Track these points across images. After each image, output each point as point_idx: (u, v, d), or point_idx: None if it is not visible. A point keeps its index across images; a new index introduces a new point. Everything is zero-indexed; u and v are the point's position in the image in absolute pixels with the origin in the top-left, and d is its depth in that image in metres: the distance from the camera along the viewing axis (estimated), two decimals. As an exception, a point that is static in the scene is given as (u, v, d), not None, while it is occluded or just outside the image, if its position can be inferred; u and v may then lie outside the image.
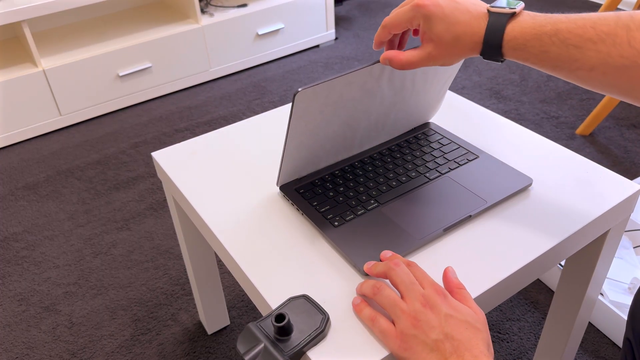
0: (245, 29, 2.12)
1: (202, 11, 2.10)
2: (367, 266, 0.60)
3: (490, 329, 1.12)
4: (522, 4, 0.55)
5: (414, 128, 0.86)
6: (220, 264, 1.30)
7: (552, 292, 1.19)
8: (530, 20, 0.53)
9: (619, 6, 2.53)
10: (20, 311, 1.22)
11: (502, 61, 0.57)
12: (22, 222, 1.48)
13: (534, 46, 0.52)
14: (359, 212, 0.70)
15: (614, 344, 1.08)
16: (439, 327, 0.50)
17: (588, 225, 0.69)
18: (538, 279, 1.23)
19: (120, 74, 1.91)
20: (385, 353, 0.54)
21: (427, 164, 0.78)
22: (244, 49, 2.16)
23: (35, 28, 2.05)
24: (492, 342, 1.10)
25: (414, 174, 0.76)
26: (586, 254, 0.81)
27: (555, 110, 1.83)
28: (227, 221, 0.72)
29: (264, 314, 0.63)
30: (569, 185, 0.75)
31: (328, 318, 0.56)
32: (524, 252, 0.64)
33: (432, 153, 0.80)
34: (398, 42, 0.68)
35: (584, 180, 0.76)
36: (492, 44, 0.55)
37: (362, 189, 0.74)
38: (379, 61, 0.64)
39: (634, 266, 1.18)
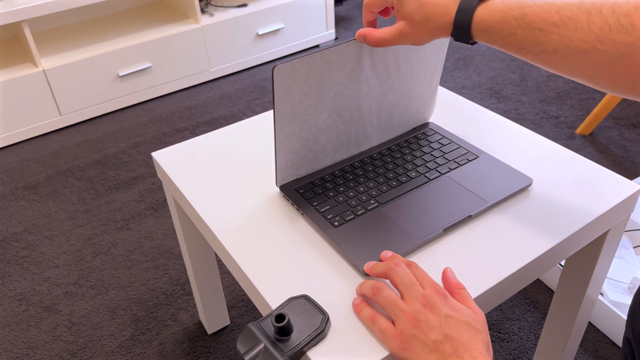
0: (245, 29, 2.12)
1: (202, 11, 2.10)
2: (367, 266, 0.60)
3: (490, 329, 1.12)
4: None
5: (414, 128, 0.86)
6: (220, 264, 1.30)
7: (552, 292, 1.19)
8: (499, 4, 0.54)
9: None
10: (20, 311, 1.22)
11: (472, 43, 0.58)
12: (22, 222, 1.48)
13: (502, 29, 0.53)
14: (359, 212, 0.70)
15: (614, 343, 1.08)
16: (439, 328, 0.50)
17: (588, 225, 0.69)
18: (538, 279, 1.23)
19: (120, 74, 1.91)
20: (385, 353, 0.54)
21: (427, 164, 0.78)
22: (244, 49, 2.16)
23: (35, 28, 2.05)
24: (492, 341, 1.10)
25: (414, 174, 0.76)
26: (586, 254, 0.81)
27: (555, 110, 1.83)
28: (227, 221, 0.72)
29: (264, 314, 0.63)
30: (569, 185, 0.75)
31: (328, 318, 0.56)
32: (524, 252, 0.64)
33: (432, 153, 0.80)
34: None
35: (584, 180, 0.76)
36: (462, 26, 0.56)
37: (362, 188, 0.74)
38: (354, 39, 0.66)
39: (634, 266, 1.18)
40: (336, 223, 0.68)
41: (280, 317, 0.53)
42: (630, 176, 1.52)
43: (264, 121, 0.94)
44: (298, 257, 0.66)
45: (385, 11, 0.67)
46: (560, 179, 0.76)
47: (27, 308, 1.23)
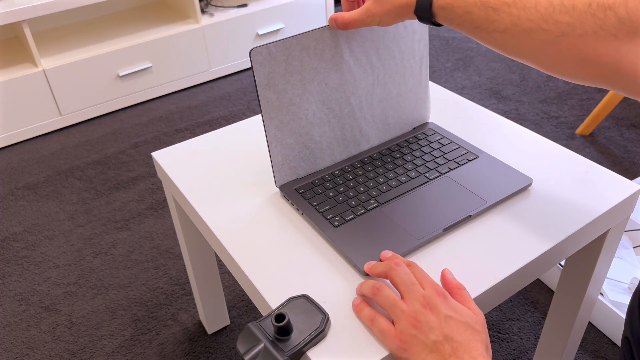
0: (245, 29, 2.12)
1: (202, 11, 2.10)
2: (368, 266, 0.60)
3: (490, 329, 1.12)
4: None
5: (414, 128, 0.86)
6: (220, 264, 1.30)
7: (552, 292, 1.19)
8: None
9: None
10: (20, 311, 1.22)
11: (433, 23, 0.61)
12: (22, 222, 1.48)
13: (459, 6, 0.56)
14: (359, 212, 0.70)
15: (614, 343, 1.08)
16: (439, 328, 0.50)
17: (588, 225, 0.69)
18: (538, 279, 1.23)
19: (120, 74, 1.91)
20: (384, 353, 0.54)
21: (427, 164, 0.78)
22: (244, 49, 2.16)
23: (35, 28, 2.05)
24: (492, 341, 1.10)
25: (414, 174, 0.76)
26: (586, 254, 0.81)
27: (555, 110, 1.83)
28: (227, 221, 0.72)
29: (264, 314, 0.63)
30: (568, 185, 0.75)
31: (328, 318, 0.56)
32: (524, 252, 0.64)
33: (432, 153, 0.80)
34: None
35: (584, 180, 0.76)
36: (423, 2, 0.59)
37: (362, 188, 0.74)
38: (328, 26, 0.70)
39: (634, 266, 1.18)
40: (336, 223, 0.68)
41: (280, 317, 0.53)
42: (630, 176, 1.52)
43: (264, 121, 0.94)
44: (298, 257, 0.66)
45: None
46: (560, 179, 0.76)
47: (27, 308, 1.23)
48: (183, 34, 1.99)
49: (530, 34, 0.51)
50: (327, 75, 0.72)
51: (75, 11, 2.11)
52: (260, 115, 0.95)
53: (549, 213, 0.70)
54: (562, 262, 1.06)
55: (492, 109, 1.85)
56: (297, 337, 0.54)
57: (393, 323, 0.54)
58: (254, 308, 1.20)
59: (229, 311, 1.19)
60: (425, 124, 0.87)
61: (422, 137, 0.84)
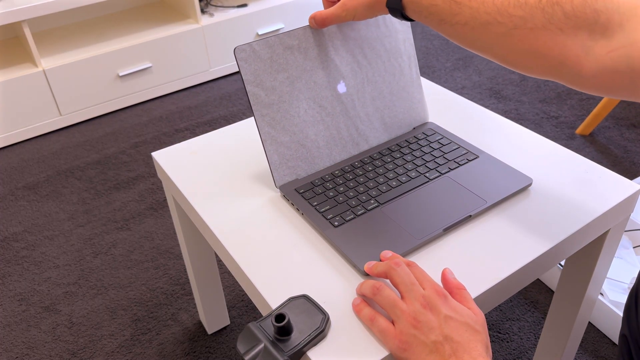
0: (245, 29, 2.12)
1: (202, 11, 2.10)
2: (368, 266, 0.60)
3: (490, 329, 1.12)
4: None
5: (414, 128, 0.86)
6: (220, 264, 1.30)
7: (552, 292, 1.19)
8: None
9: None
10: (20, 311, 1.22)
11: (405, 17, 0.63)
12: (22, 222, 1.48)
13: None
14: (359, 212, 0.70)
15: (614, 343, 1.08)
16: (439, 329, 0.50)
17: (588, 225, 0.69)
18: (538, 279, 1.23)
19: (120, 74, 1.91)
20: (385, 353, 0.54)
21: (427, 164, 0.78)
22: (244, 49, 2.15)
23: (35, 28, 2.05)
24: (492, 342, 1.10)
25: (414, 173, 0.76)
26: (586, 254, 0.81)
27: (555, 110, 1.83)
28: (227, 221, 0.72)
29: (264, 314, 0.63)
30: (569, 185, 0.75)
31: (328, 318, 0.56)
32: (524, 252, 0.64)
33: (432, 153, 0.80)
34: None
35: (584, 180, 0.76)
36: None
37: (362, 188, 0.74)
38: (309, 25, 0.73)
39: (634, 266, 1.18)
40: (336, 223, 0.68)
41: (280, 317, 0.53)
42: (630, 176, 1.52)
43: (264, 121, 0.94)
44: (298, 257, 0.66)
45: None
46: (560, 179, 0.76)
47: (27, 308, 1.23)
48: (183, 34, 1.99)
49: (487, 26, 0.54)
50: (314, 73, 0.74)
51: (75, 11, 2.11)
52: (260, 115, 0.95)
53: (549, 213, 0.70)
54: (562, 262, 1.06)
55: (492, 109, 1.85)
56: (297, 337, 0.54)
57: (393, 323, 0.54)
58: (254, 308, 1.20)
59: (229, 311, 1.19)
60: (425, 124, 0.87)
61: (422, 137, 0.84)
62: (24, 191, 1.61)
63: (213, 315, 1.13)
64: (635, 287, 0.71)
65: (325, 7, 0.72)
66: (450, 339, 0.50)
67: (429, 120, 0.89)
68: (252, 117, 0.95)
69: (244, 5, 2.15)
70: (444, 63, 2.16)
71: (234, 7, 2.14)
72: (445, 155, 0.79)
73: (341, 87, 0.77)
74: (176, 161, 0.85)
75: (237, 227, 0.71)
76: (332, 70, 0.76)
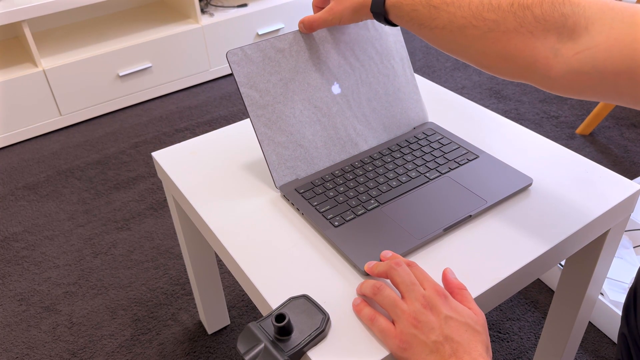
0: (245, 29, 2.12)
1: (202, 11, 2.10)
2: (368, 266, 0.60)
3: (490, 329, 1.12)
4: None
5: (414, 128, 0.86)
6: (220, 264, 1.30)
7: (552, 292, 1.19)
8: None
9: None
10: (20, 311, 1.22)
11: (388, 22, 0.66)
12: (22, 222, 1.48)
13: (407, 4, 0.62)
14: (359, 212, 0.70)
15: (614, 343, 1.08)
16: (439, 329, 0.50)
17: (588, 225, 0.69)
18: (538, 279, 1.23)
19: (120, 74, 1.91)
20: (385, 353, 0.54)
21: (427, 164, 0.78)
22: (244, 49, 2.15)
23: (35, 28, 2.05)
24: (492, 341, 1.10)
25: (414, 173, 0.76)
26: (586, 254, 0.81)
27: (555, 110, 1.83)
28: (227, 221, 0.72)
29: (264, 314, 0.63)
30: (569, 185, 0.75)
31: (328, 318, 0.56)
32: (524, 252, 0.64)
33: (432, 153, 0.80)
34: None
35: (584, 180, 0.76)
36: (378, 0, 0.65)
37: (362, 188, 0.74)
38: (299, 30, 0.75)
39: (634, 266, 1.18)
40: (336, 223, 0.68)
41: (280, 317, 0.53)
42: (630, 176, 1.52)
43: (264, 121, 0.93)
44: (298, 257, 0.66)
45: None
46: (560, 179, 0.76)
47: (27, 308, 1.23)
48: (183, 34, 1.99)
49: (464, 30, 0.57)
50: (307, 75, 0.76)
51: (75, 11, 2.11)
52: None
53: (549, 213, 0.70)
54: (562, 262, 1.06)
55: (492, 109, 1.85)
56: (297, 337, 0.54)
57: (393, 323, 0.54)
58: (254, 308, 1.20)
59: (229, 311, 1.19)
60: (425, 124, 0.87)
61: (422, 137, 0.84)
62: (24, 191, 1.61)
63: (213, 315, 1.13)
64: (634, 286, 0.71)
65: (314, 12, 0.75)
66: (450, 339, 0.50)
67: (429, 120, 0.89)
68: (252, 117, 0.95)
69: (244, 5, 2.15)
70: (444, 63, 2.16)
71: (234, 7, 2.14)
72: (445, 155, 0.79)
73: (335, 89, 0.78)
74: (176, 161, 0.85)
75: (237, 227, 0.71)
76: (325, 72, 0.77)
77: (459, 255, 0.65)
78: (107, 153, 1.76)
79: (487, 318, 1.15)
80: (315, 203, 0.71)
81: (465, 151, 0.80)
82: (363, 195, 0.73)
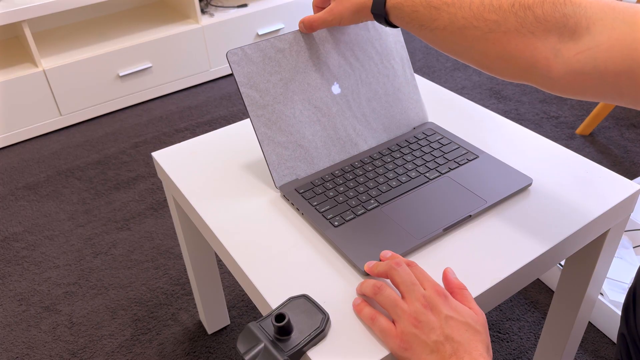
0: (245, 29, 2.12)
1: (202, 11, 2.10)
2: (368, 266, 0.60)
3: (490, 329, 1.12)
4: None
5: (414, 128, 0.86)
6: (220, 264, 1.30)
7: (552, 292, 1.19)
8: None
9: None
10: (20, 311, 1.22)
11: (389, 23, 0.66)
12: (22, 222, 1.48)
13: (408, 5, 0.62)
14: (359, 212, 0.70)
15: (614, 343, 1.08)
16: (439, 329, 0.50)
17: (588, 225, 0.69)
18: (538, 279, 1.23)
19: (120, 74, 1.91)
20: (385, 353, 0.54)
21: (427, 164, 0.78)
22: (244, 49, 2.15)
23: (35, 28, 2.05)
24: (492, 341, 1.10)
25: (414, 173, 0.76)
26: (586, 254, 0.81)
27: (555, 110, 1.83)
28: (227, 221, 0.72)
29: (264, 313, 0.63)
30: (568, 185, 0.75)
31: (328, 318, 0.56)
32: (524, 252, 0.64)
33: (432, 153, 0.80)
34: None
35: (583, 180, 0.76)
36: (378, 1, 0.64)
37: (362, 188, 0.74)
38: (299, 30, 0.76)
39: (634, 266, 1.18)
40: (336, 223, 0.68)
41: (280, 317, 0.53)
42: (630, 176, 1.52)
43: (264, 121, 0.94)
44: (298, 257, 0.66)
45: None
46: (560, 179, 0.76)
47: (27, 308, 1.23)
48: (183, 34, 1.99)
49: (464, 30, 0.57)
50: (307, 75, 0.76)
51: (75, 11, 2.11)
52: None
53: (549, 213, 0.70)
54: (562, 262, 1.06)
55: (492, 109, 1.85)
56: (297, 337, 0.54)
57: (393, 323, 0.54)
58: (254, 308, 1.20)
59: (229, 311, 1.19)
60: (425, 124, 0.87)
61: (422, 137, 0.84)
62: (24, 191, 1.61)
63: (213, 315, 1.13)
64: (633, 286, 0.71)
65: (315, 12, 0.75)
66: (451, 338, 0.50)
67: (429, 120, 0.89)
68: (252, 117, 0.95)
69: (244, 5, 2.15)
70: (444, 63, 2.16)
71: (234, 7, 2.14)
72: (445, 155, 0.79)
73: (335, 89, 0.78)
74: (176, 161, 0.85)
75: (237, 227, 0.71)
76: (325, 73, 0.77)
77: (459, 255, 0.65)
78: (107, 153, 1.76)
79: (487, 318, 1.15)
80: (315, 203, 0.71)
81: (465, 151, 0.80)
82: (363, 195, 0.73)
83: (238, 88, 0.71)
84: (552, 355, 0.96)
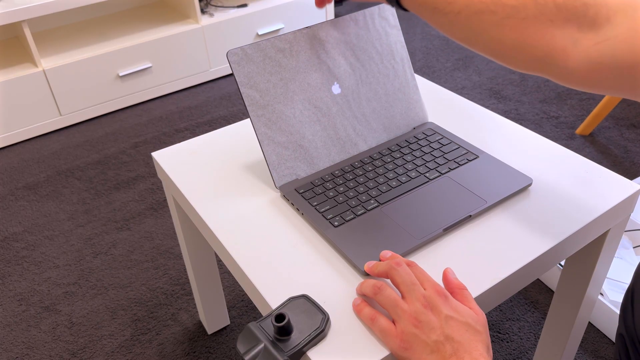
0: (245, 29, 2.12)
1: (202, 11, 2.10)
2: (368, 266, 0.60)
3: (490, 329, 1.12)
4: None
5: (414, 128, 0.86)
6: (220, 264, 1.30)
7: (552, 292, 1.19)
8: None
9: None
10: (20, 311, 1.22)
11: (401, 6, 0.64)
12: (22, 222, 1.48)
13: None
14: (359, 212, 0.70)
15: (614, 343, 1.08)
16: (440, 329, 0.50)
17: (588, 225, 0.69)
18: (538, 279, 1.23)
19: (120, 74, 1.91)
20: (385, 353, 0.54)
21: (427, 164, 0.78)
22: (244, 49, 2.15)
23: (35, 28, 2.05)
24: (492, 341, 1.10)
25: (414, 174, 0.76)
26: (586, 254, 0.81)
27: (555, 110, 1.83)
28: (227, 221, 0.72)
29: (264, 314, 0.63)
30: (568, 185, 0.75)
31: (328, 318, 0.56)
32: (524, 252, 0.64)
33: (432, 153, 0.80)
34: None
35: (584, 180, 0.76)
36: None
37: (362, 189, 0.74)
38: (300, 29, 0.76)
39: (634, 266, 1.18)
40: (336, 223, 0.68)
41: (280, 317, 0.53)
42: (630, 176, 1.52)
43: (264, 121, 0.94)
44: (298, 257, 0.66)
45: None
46: (560, 179, 0.76)
47: (27, 308, 1.23)
48: (183, 34, 1.99)
49: (480, 15, 0.55)
50: (308, 75, 0.76)
51: (75, 11, 2.11)
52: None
53: (549, 213, 0.70)
54: (562, 262, 1.06)
55: (492, 109, 1.85)
56: (297, 337, 0.54)
57: (394, 323, 0.54)
58: (254, 308, 1.20)
59: (229, 311, 1.19)
60: (425, 124, 0.87)
61: (422, 137, 0.84)
62: (24, 191, 1.61)
63: (213, 315, 1.13)
64: (631, 286, 0.71)
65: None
66: (451, 338, 0.50)
67: (429, 120, 0.89)
68: (252, 117, 0.95)
69: (244, 5, 2.15)
70: (444, 63, 2.16)
71: (234, 7, 2.14)
72: (445, 155, 0.79)
73: (335, 89, 0.78)
74: (176, 161, 0.85)
75: (237, 227, 0.71)
76: (325, 72, 0.77)
77: (459, 255, 0.65)
78: (107, 153, 1.76)
79: (487, 318, 1.15)
80: (315, 203, 0.71)
81: (465, 151, 0.80)
82: (363, 195, 0.73)
83: (238, 88, 0.72)
84: (552, 355, 0.96)
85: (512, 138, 0.85)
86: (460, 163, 0.78)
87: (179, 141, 1.80)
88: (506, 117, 1.77)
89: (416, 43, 2.32)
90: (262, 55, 0.73)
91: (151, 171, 1.66)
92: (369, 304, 0.57)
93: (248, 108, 0.72)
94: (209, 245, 1.03)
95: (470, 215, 0.69)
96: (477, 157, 0.79)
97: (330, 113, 0.78)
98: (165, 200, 1.53)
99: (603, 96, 1.88)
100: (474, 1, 0.55)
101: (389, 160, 0.79)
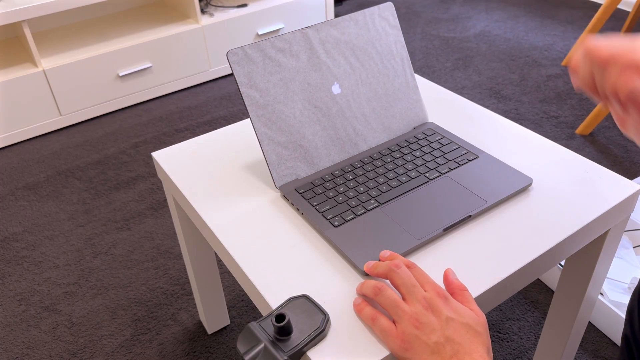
0: (245, 29, 2.12)
1: (202, 11, 2.10)
2: (368, 266, 0.60)
3: (490, 329, 1.12)
4: None
5: (414, 128, 0.86)
6: (220, 264, 1.30)
7: (552, 291, 1.19)
8: None
9: (618, 6, 2.53)
10: (20, 311, 1.22)
11: None
12: (22, 222, 1.48)
13: None
14: (359, 212, 0.70)
15: (614, 343, 1.08)
16: (440, 330, 0.50)
17: (588, 225, 0.69)
18: (538, 279, 1.23)
19: (120, 74, 1.91)
20: (385, 353, 0.54)
21: (427, 164, 0.78)
22: (244, 49, 2.15)
23: (35, 28, 2.05)
24: (492, 341, 1.10)
25: (414, 174, 0.76)
26: (586, 254, 0.81)
27: (555, 110, 1.83)
28: (227, 221, 0.72)
29: (264, 313, 0.63)
30: (568, 185, 0.75)
31: (328, 318, 0.56)
32: (524, 252, 0.64)
33: (432, 153, 0.80)
34: None
35: (583, 180, 0.76)
36: None
37: (362, 189, 0.74)
38: (300, 29, 0.76)
39: (634, 266, 1.18)
40: (336, 223, 0.68)
41: (280, 317, 0.53)
42: (630, 176, 1.52)
43: (264, 121, 0.93)
44: (298, 257, 0.66)
45: None
46: (560, 179, 0.76)
47: (27, 308, 1.23)
48: (183, 34, 1.99)
49: None
50: (308, 75, 0.76)
51: (75, 11, 2.11)
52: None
53: (549, 213, 0.70)
54: (562, 262, 1.06)
55: (492, 109, 1.85)
56: (297, 337, 0.54)
57: (394, 323, 0.54)
58: (254, 308, 1.20)
59: (229, 311, 1.19)
60: (425, 124, 0.87)
61: (422, 137, 0.84)
62: (24, 191, 1.61)
63: (213, 315, 1.13)
64: (638, 288, 0.71)
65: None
66: (451, 340, 0.50)
67: (429, 120, 0.89)
68: (252, 117, 0.95)
69: (244, 5, 2.15)
70: (444, 63, 2.16)
71: (234, 7, 2.14)
72: (445, 155, 0.79)
73: (335, 89, 0.78)
74: (176, 161, 0.85)
75: (237, 227, 0.71)
76: (325, 72, 0.77)
77: (459, 255, 0.65)
78: (107, 153, 1.76)
79: (487, 318, 1.15)
80: (315, 203, 0.71)
81: (465, 151, 0.80)
82: (363, 195, 0.73)
83: (238, 88, 0.72)
84: (552, 355, 0.96)
85: (512, 138, 0.85)
86: (460, 163, 0.78)
87: (179, 141, 1.80)
88: (506, 117, 1.77)
89: (416, 43, 2.32)
90: (262, 55, 0.73)
91: (151, 171, 1.66)
92: (369, 304, 0.57)
93: (248, 108, 0.72)
94: (209, 245, 1.03)
95: (470, 215, 0.69)
96: (477, 157, 0.79)
97: (330, 113, 0.78)
98: (165, 200, 1.53)
99: (603, 96, 1.87)
100: None
101: (389, 160, 0.79)
